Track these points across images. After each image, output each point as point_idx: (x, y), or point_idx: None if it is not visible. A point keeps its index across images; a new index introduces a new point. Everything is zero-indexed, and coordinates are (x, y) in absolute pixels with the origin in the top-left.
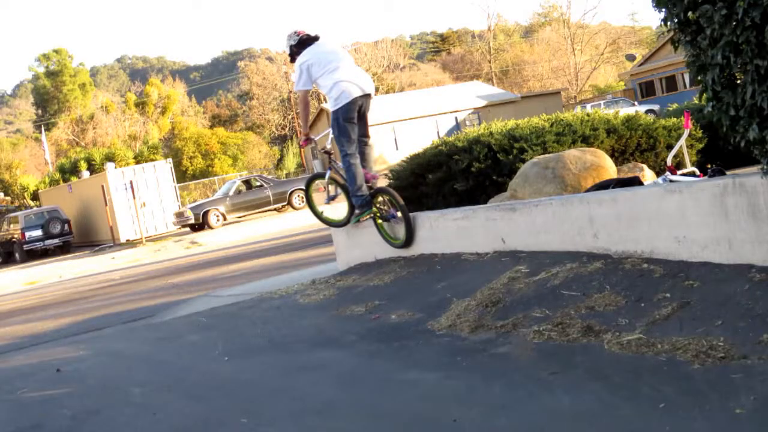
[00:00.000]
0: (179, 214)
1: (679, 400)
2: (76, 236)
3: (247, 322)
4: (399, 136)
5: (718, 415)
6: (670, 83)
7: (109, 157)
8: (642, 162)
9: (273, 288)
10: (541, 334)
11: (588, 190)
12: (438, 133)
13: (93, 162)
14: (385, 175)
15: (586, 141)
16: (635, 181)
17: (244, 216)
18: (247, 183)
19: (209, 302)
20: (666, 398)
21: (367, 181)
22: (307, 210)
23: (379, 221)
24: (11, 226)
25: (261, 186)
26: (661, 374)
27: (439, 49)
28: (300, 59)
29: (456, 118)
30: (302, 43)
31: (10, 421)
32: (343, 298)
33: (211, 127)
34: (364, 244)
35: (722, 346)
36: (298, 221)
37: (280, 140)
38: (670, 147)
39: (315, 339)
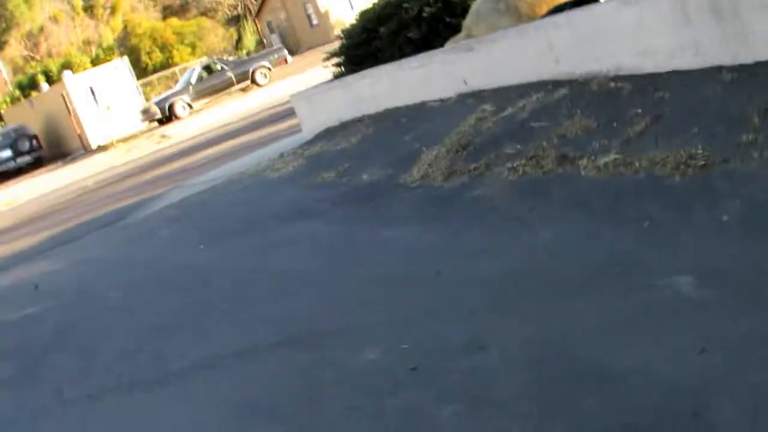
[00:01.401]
0: (145, 111)
1: (663, 215)
2: (47, 150)
3: (218, 207)
4: None
5: (706, 225)
6: None
7: (66, 66)
8: None
9: (242, 168)
10: (516, 171)
11: (543, 17)
12: None
13: (50, 74)
14: (338, 36)
15: None
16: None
17: (210, 101)
18: (208, 68)
19: (180, 193)
20: (650, 216)
21: None
22: (273, 86)
23: None
24: None
25: (222, 69)
26: (642, 192)
27: None
28: None
29: None
30: None
31: None
32: (312, 167)
33: (164, 18)
34: (327, 109)
35: (701, 153)
36: (263, 98)
37: (235, 21)
38: None
39: (288, 213)
